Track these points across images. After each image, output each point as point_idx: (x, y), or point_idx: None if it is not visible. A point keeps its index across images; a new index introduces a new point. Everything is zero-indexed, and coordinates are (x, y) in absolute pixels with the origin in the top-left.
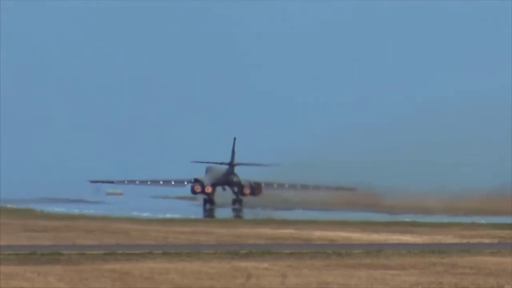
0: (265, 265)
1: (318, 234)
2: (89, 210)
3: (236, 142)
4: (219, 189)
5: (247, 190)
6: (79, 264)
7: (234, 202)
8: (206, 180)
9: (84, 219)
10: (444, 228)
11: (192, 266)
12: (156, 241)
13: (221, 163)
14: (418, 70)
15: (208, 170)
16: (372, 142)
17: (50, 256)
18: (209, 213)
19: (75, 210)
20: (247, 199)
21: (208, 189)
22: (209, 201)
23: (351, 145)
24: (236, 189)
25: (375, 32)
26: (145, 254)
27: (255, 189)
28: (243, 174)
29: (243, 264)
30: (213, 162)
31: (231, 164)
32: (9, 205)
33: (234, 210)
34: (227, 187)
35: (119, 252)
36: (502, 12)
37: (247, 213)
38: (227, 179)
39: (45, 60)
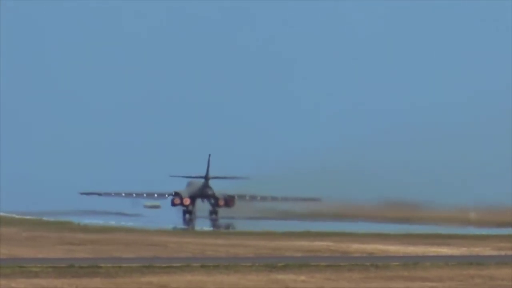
0: (303, 277)
1: (355, 246)
2: (127, 223)
3: (210, 158)
4: (199, 201)
5: (221, 202)
6: (117, 277)
7: (211, 213)
8: (185, 193)
9: (122, 232)
10: (481, 240)
11: (229, 278)
12: (193, 254)
13: (198, 177)
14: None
15: (188, 184)
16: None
17: (88, 269)
18: (188, 223)
19: (112, 222)
20: (222, 211)
21: (186, 201)
22: (188, 212)
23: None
24: (212, 201)
25: (373, 33)
26: (183, 267)
27: (229, 201)
28: (219, 187)
29: (281, 276)
30: (191, 176)
31: (206, 178)
32: (45, 218)
33: (211, 220)
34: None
35: (157, 264)
36: (502, 12)
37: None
38: (203, 192)
39: (48, 60)
